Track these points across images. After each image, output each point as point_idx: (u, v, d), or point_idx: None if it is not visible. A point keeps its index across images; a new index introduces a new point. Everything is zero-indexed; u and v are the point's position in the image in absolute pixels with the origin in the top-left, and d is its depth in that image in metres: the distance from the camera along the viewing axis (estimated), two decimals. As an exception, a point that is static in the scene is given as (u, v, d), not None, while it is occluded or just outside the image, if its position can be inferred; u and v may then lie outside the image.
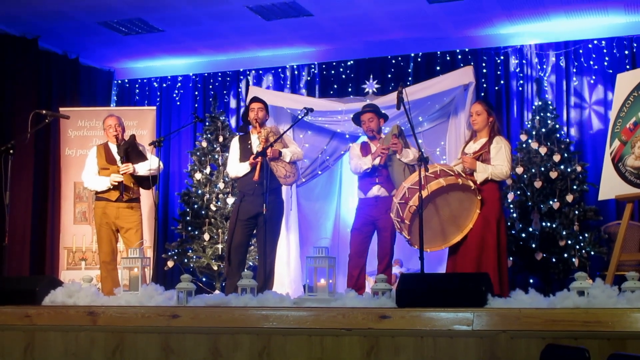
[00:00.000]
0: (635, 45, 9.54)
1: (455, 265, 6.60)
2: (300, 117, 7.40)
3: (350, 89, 10.62)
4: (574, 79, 9.80)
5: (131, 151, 7.67)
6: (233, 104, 11.29)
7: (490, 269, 6.33)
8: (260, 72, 11.19)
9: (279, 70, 11.11)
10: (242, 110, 10.21)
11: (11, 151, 6.67)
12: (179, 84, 11.58)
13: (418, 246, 6.38)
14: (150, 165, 7.54)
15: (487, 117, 6.78)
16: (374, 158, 7.30)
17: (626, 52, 9.55)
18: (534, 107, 9.29)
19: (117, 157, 7.67)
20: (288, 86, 10.99)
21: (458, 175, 6.46)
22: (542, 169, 8.75)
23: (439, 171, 6.44)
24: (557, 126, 8.98)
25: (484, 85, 10.09)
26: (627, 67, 9.36)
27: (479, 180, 6.56)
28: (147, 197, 8.72)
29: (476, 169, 6.60)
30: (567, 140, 9.04)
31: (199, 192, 9.79)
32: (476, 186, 6.49)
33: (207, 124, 10.09)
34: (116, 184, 7.56)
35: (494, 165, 6.59)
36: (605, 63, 9.62)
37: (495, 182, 6.65)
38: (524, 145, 8.93)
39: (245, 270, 5.77)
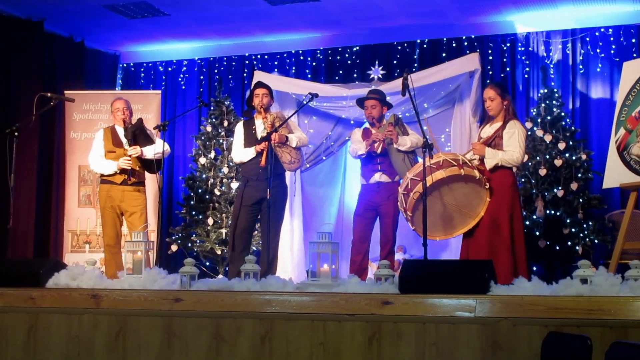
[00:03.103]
0: (642, 33, 9.52)
1: (469, 251, 6.56)
2: (305, 102, 7.40)
3: (355, 75, 10.61)
4: (580, 66, 9.76)
5: (139, 134, 7.66)
6: (238, 88, 11.27)
7: (503, 249, 6.31)
8: (266, 57, 11.16)
9: (285, 55, 11.09)
10: (247, 95, 10.23)
11: (16, 134, 6.69)
12: (185, 68, 11.57)
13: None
14: (157, 148, 7.53)
15: (501, 101, 6.62)
16: (368, 145, 7.33)
17: (633, 40, 9.50)
18: (539, 94, 9.27)
19: (124, 141, 7.66)
20: (293, 71, 10.97)
21: (462, 165, 6.37)
22: (547, 156, 8.73)
23: (442, 161, 6.38)
24: (563, 114, 8.96)
25: (490, 73, 10.05)
26: (634, 55, 9.32)
27: (489, 167, 6.46)
28: (151, 181, 8.73)
29: (485, 155, 6.52)
30: (573, 128, 9.01)
31: (204, 176, 9.80)
32: (482, 175, 6.40)
33: (212, 108, 10.10)
34: (127, 167, 7.55)
35: (505, 151, 6.47)
36: (612, 51, 9.58)
37: (507, 168, 6.53)
38: (529, 133, 8.89)
39: (249, 255, 5.78)
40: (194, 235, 9.66)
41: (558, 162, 8.65)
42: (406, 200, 6.50)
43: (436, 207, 6.47)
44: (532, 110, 9.39)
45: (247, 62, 11.28)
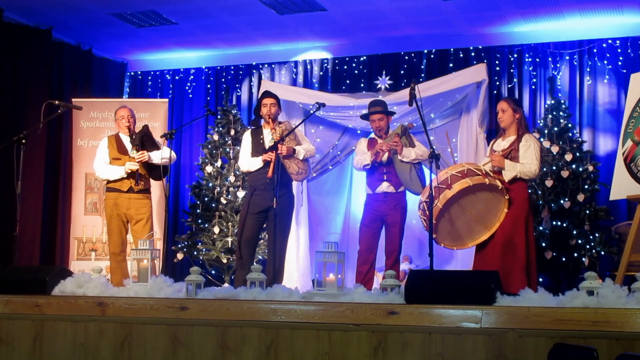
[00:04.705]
0: (650, 45, 9.50)
1: (484, 262, 6.58)
2: (312, 111, 7.41)
3: (362, 85, 10.62)
4: (587, 78, 9.75)
5: (146, 140, 7.69)
6: (245, 97, 11.29)
7: (518, 268, 6.35)
8: (273, 66, 11.19)
9: (292, 64, 11.11)
10: (254, 104, 10.24)
11: (23, 141, 6.70)
12: (192, 77, 11.59)
13: (444, 244, 6.42)
14: (164, 153, 7.56)
15: (512, 113, 6.71)
16: (373, 154, 7.33)
17: (640, 51, 9.51)
18: (546, 105, 9.27)
19: (129, 148, 7.69)
20: (300, 81, 10.99)
21: (485, 174, 6.42)
22: (554, 167, 8.72)
23: (466, 170, 6.41)
24: (570, 125, 8.95)
25: (497, 83, 10.06)
26: (641, 67, 9.32)
27: (507, 179, 6.53)
28: (157, 189, 8.73)
29: (504, 167, 6.57)
30: (579, 139, 9.01)
31: (210, 185, 9.81)
32: (504, 185, 6.46)
33: (218, 117, 10.11)
34: (132, 170, 7.57)
35: (523, 163, 6.55)
36: (619, 63, 9.57)
37: (524, 180, 6.60)
38: (536, 144, 8.89)
39: (255, 264, 5.78)
40: (199, 244, 9.66)
41: (565, 173, 8.63)
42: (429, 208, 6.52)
43: (458, 217, 6.48)
44: (539, 122, 9.37)
45: (254, 71, 11.29)
